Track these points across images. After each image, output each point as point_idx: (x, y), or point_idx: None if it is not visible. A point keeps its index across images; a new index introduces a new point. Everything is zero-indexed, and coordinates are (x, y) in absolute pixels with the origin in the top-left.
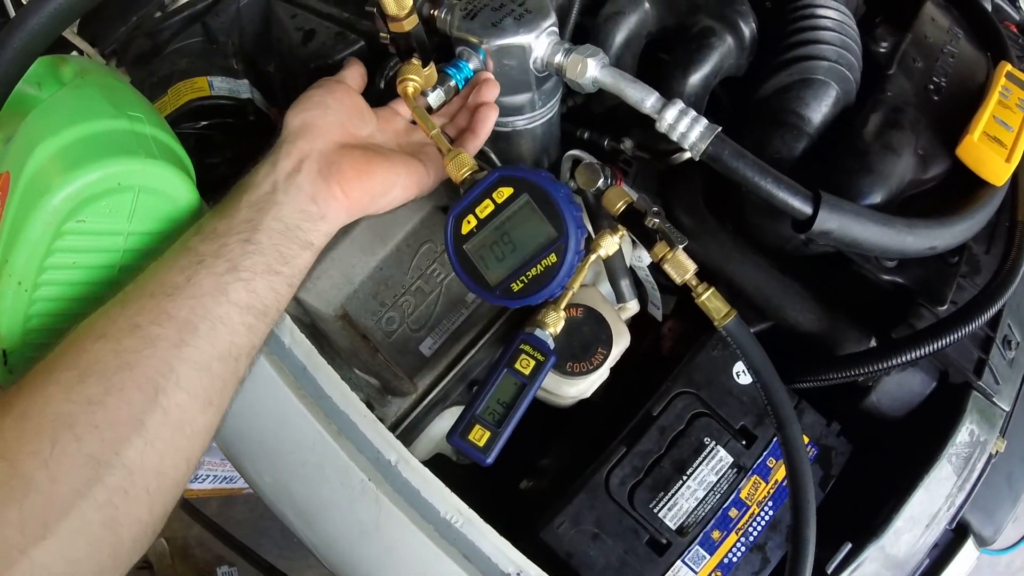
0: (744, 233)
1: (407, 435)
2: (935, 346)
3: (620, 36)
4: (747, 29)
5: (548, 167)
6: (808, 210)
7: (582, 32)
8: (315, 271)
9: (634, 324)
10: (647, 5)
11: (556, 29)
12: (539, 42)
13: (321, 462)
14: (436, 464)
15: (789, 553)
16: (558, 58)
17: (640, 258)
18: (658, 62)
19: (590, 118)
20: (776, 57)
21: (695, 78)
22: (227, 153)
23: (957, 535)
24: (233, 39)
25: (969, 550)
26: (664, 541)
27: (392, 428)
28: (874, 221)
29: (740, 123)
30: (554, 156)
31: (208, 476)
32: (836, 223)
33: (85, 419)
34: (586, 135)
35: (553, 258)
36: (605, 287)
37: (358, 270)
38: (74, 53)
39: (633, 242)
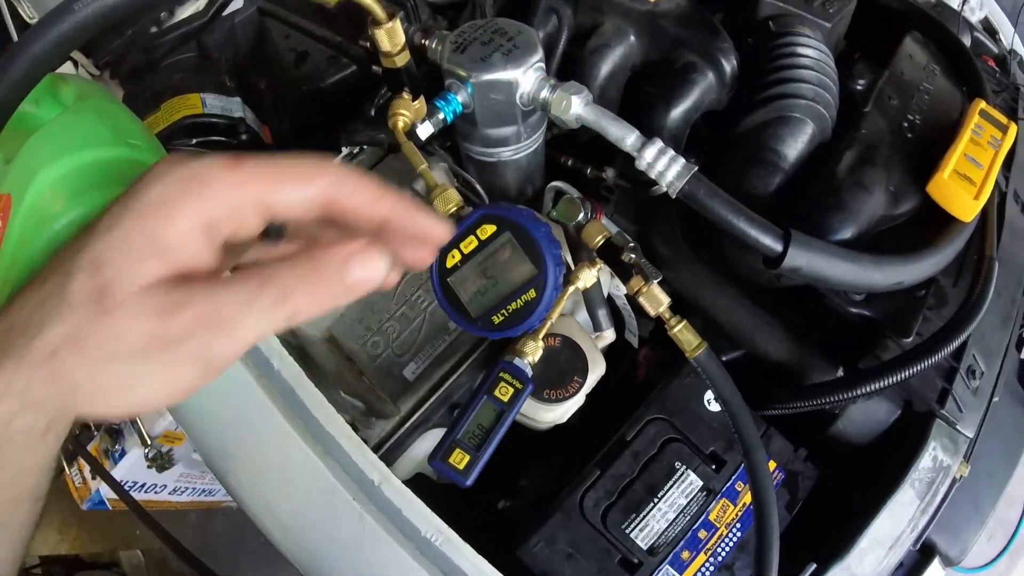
0: (719, 264)
1: (389, 455)
2: (899, 377)
3: (606, 68)
4: (728, 65)
5: (532, 195)
6: (779, 247)
7: (570, 61)
8: None
9: (611, 350)
10: (632, 39)
11: (543, 65)
12: (526, 77)
13: (307, 481)
14: (416, 483)
15: (754, 573)
16: (543, 94)
17: (618, 287)
18: (642, 93)
19: (574, 145)
20: (756, 94)
21: (676, 112)
22: None
23: (923, 555)
24: (227, 56)
25: (935, 569)
26: (636, 561)
27: (375, 449)
28: (842, 258)
29: (718, 153)
30: (538, 185)
31: (188, 488)
32: (805, 260)
33: None
34: (569, 162)
35: (533, 293)
36: (583, 315)
37: None
38: (68, 64)
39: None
